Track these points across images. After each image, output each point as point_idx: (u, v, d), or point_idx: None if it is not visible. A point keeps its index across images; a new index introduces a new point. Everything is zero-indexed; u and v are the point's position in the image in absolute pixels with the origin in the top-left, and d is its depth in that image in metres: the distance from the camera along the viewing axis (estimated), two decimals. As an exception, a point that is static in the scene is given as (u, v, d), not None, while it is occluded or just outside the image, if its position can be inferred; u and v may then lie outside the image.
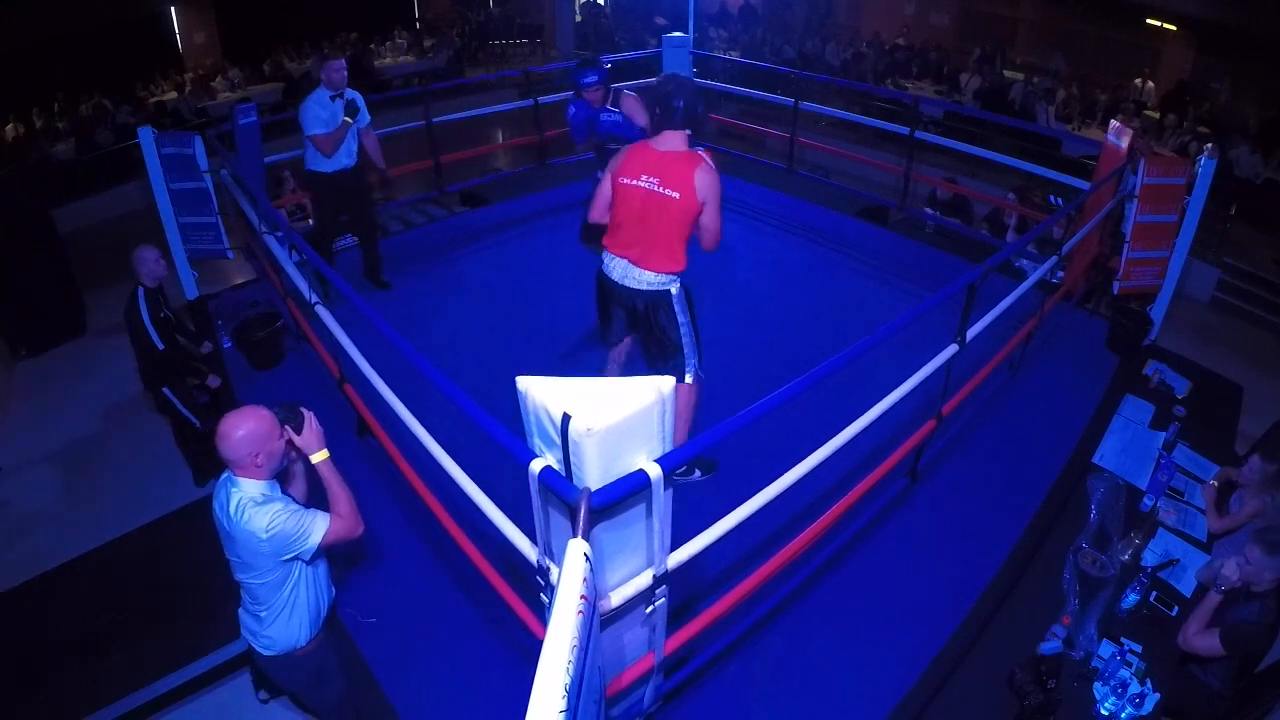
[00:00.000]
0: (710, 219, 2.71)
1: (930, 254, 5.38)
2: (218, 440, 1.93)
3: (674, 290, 2.81)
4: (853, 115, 7.52)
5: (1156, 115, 9.38)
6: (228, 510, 1.96)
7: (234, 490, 1.97)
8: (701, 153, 2.70)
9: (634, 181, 2.70)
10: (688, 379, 2.91)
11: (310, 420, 2.09)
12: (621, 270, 2.80)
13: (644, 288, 2.79)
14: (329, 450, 2.12)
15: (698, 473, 3.20)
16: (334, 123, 4.21)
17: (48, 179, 8.56)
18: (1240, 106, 9.21)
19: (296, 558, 2.03)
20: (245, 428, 1.92)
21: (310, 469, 2.14)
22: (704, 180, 2.64)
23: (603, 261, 2.88)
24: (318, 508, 2.09)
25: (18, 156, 8.93)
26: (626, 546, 1.74)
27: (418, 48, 13.30)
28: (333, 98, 4.22)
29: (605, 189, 2.82)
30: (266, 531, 1.93)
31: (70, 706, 2.73)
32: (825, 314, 4.56)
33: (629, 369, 3.17)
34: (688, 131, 2.70)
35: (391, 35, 13.45)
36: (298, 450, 2.09)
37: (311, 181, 4.46)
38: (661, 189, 2.66)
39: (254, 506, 1.94)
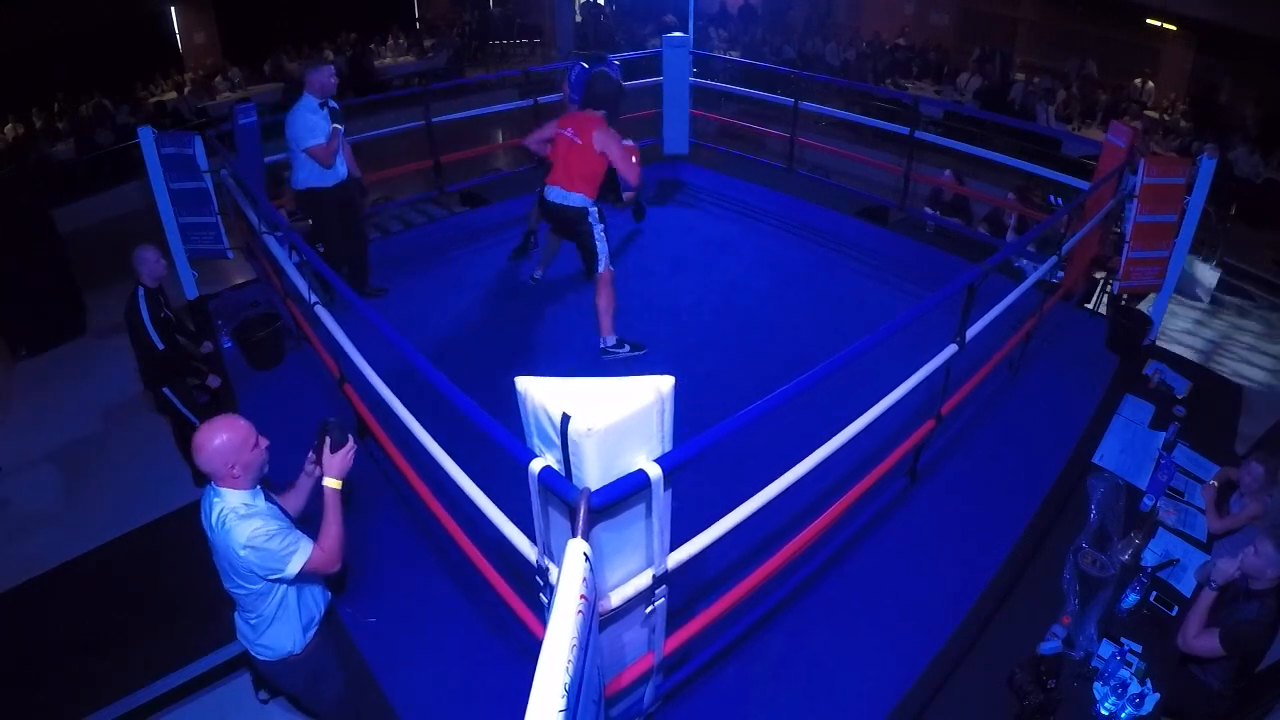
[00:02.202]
0: (618, 162, 3.90)
1: (930, 254, 5.37)
2: (194, 454, 1.90)
3: (590, 210, 3.95)
4: (853, 115, 7.52)
5: (1178, 120, 9.38)
6: (210, 520, 1.94)
7: (216, 500, 1.94)
8: (601, 117, 3.96)
9: (562, 131, 3.97)
10: (603, 269, 3.99)
11: (349, 450, 2.08)
12: (555, 194, 3.96)
13: (569, 204, 3.93)
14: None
15: (626, 347, 4.08)
16: (328, 132, 4.07)
17: (48, 179, 8.56)
18: (1240, 106, 9.21)
19: (279, 579, 2.02)
20: (219, 439, 1.89)
21: (318, 490, 2.12)
22: (600, 137, 3.86)
23: (543, 188, 4.02)
24: (308, 527, 2.06)
25: (18, 156, 8.93)
26: (626, 546, 1.74)
27: (418, 48, 13.31)
28: (321, 105, 4.05)
29: (548, 131, 4.08)
30: (244, 548, 1.91)
31: (70, 706, 2.73)
32: (825, 314, 4.56)
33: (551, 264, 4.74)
34: (601, 111, 3.99)
35: (391, 35, 13.45)
36: (318, 463, 2.07)
37: (311, 200, 4.22)
38: (574, 137, 3.91)
39: (235, 518, 1.91)
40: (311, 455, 2.09)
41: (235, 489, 1.95)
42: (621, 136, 3.99)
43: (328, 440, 2.05)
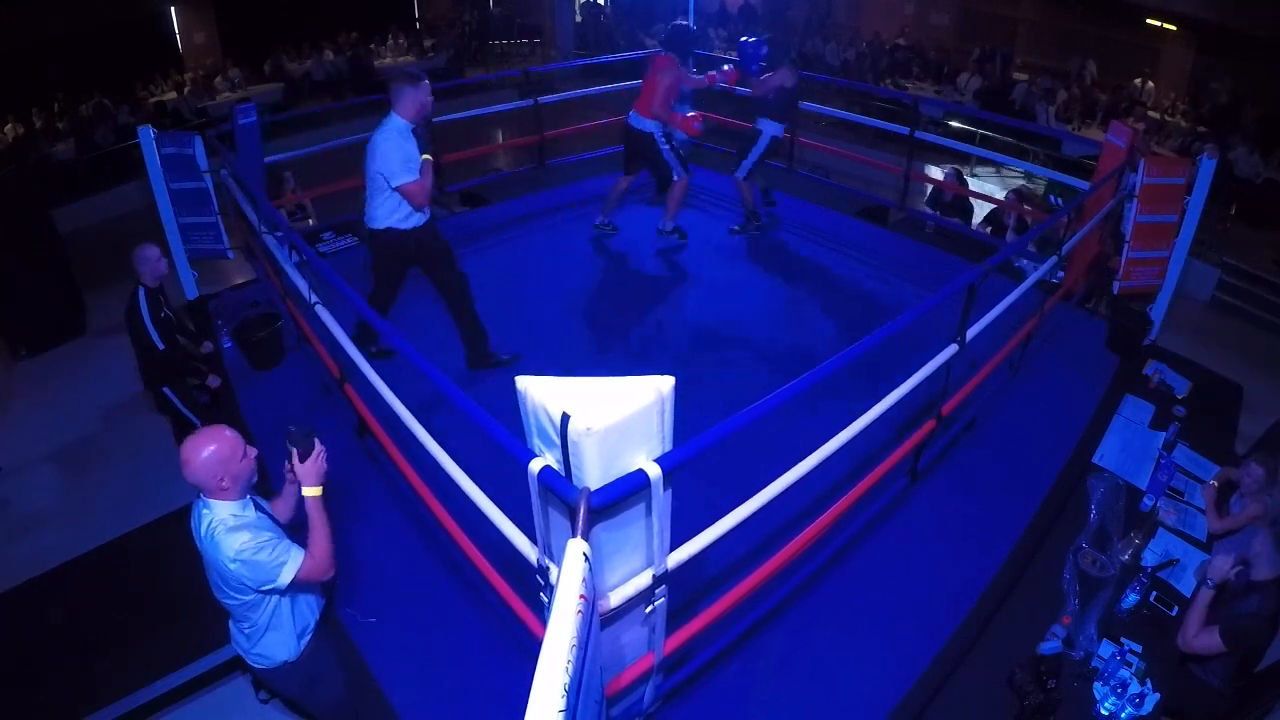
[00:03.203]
0: (660, 93, 4.68)
1: (930, 254, 5.38)
2: (181, 467, 1.87)
3: (658, 134, 4.85)
4: (853, 115, 7.52)
5: (1178, 121, 9.37)
6: (199, 532, 1.92)
7: (205, 512, 1.92)
8: (673, 58, 4.76)
9: (648, 70, 4.81)
10: (677, 179, 4.99)
11: (319, 454, 2.03)
12: (633, 118, 4.86)
13: (641, 129, 4.84)
14: (326, 487, 2.06)
15: (675, 235, 5.25)
16: (418, 163, 3.34)
17: (48, 179, 8.56)
18: (1240, 106, 9.21)
19: (271, 590, 1.99)
20: (205, 451, 1.86)
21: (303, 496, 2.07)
22: (664, 74, 4.67)
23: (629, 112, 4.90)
24: (300, 534, 2.04)
25: (18, 156, 8.93)
26: (626, 546, 1.74)
27: (418, 48, 13.31)
28: (415, 130, 3.32)
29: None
30: (233, 561, 1.88)
31: (70, 706, 2.73)
32: (825, 315, 4.56)
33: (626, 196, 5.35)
34: (672, 55, 4.81)
35: (391, 35, 13.45)
36: (293, 474, 2.03)
37: (389, 240, 3.45)
38: (651, 73, 4.76)
39: (223, 531, 1.88)
40: (287, 465, 2.06)
41: (224, 500, 1.92)
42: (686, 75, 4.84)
43: (295, 451, 1.99)
